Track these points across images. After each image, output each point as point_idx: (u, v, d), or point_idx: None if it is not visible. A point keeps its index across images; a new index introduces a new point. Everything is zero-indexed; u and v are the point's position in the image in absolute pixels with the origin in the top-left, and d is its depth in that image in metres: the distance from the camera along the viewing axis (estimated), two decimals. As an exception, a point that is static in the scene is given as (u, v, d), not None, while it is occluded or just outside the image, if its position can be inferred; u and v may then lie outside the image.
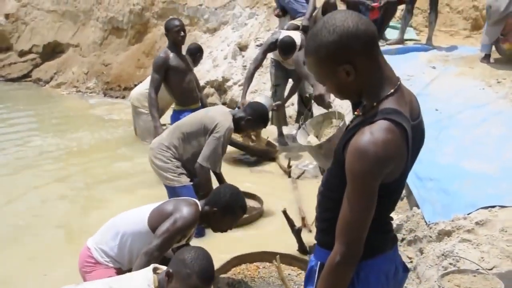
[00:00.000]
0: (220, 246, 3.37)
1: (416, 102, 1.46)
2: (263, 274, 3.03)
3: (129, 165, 5.47)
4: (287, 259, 3.09)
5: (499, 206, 2.66)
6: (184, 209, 2.52)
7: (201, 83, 6.93)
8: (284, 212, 3.32)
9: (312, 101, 5.27)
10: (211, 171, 3.66)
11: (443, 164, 3.26)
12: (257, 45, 7.59)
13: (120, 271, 2.56)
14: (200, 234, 3.54)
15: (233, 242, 3.52)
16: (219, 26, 8.93)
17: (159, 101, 4.64)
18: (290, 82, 5.59)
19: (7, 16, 11.67)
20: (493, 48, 5.09)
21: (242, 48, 7.98)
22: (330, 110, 2.61)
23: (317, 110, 5.67)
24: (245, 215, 3.85)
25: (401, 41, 6.29)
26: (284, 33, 5.17)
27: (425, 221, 2.81)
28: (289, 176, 4.82)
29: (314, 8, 6.03)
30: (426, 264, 2.46)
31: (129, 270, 2.48)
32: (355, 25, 1.28)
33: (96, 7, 10.46)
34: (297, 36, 5.10)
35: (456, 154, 3.37)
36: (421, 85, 4.68)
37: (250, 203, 4.14)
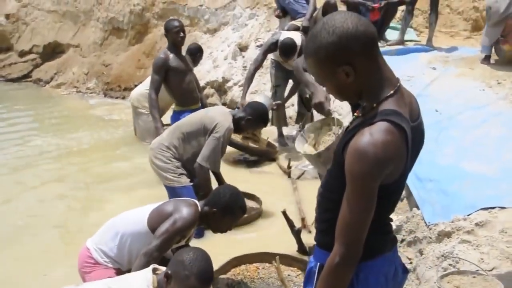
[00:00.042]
0: (220, 246, 3.37)
1: (415, 103, 1.46)
2: (262, 275, 3.02)
3: (129, 165, 5.47)
4: (286, 260, 3.09)
5: (499, 207, 2.66)
6: (184, 209, 2.51)
7: (201, 83, 6.93)
8: (284, 213, 3.32)
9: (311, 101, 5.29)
10: (210, 171, 3.66)
11: (443, 165, 3.26)
12: (257, 46, 7.59)
13: (119, 272, 2.55)
14: (200, 234, 3.54)
15: (232, 243, 3.52)
16: (220, 26, 8.93)
17: (159, 102, 4.65)
18: (290, 82, 5.59)
19: (7, 16, 11.68)
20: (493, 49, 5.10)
21: (242, 48, 7.98)
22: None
23: (317, 110, 5.70)
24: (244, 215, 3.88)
25: (401, 42, 6.30)
26: (284, 34, 5.17)
27: (425, 222, 2.81)
28: (289, 177, 4.82)
29: (315, 8, 6.03)
30: (426, 265, 2.46)
31: (129, 271, 2.48)
32: (354, 26, 1.28)
33: (97, 7, 10.46)
34: (297, 37, 5.10)
35: (456, 155, 3.37)
36: (421, 86, 4.68)
37: (249, 203, 4.13)
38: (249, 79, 5.29)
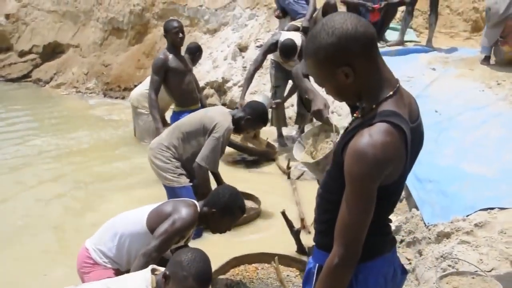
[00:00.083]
0: (219, 247, 3.37)
1: (415, 104, 1.46)
2: (261, 275, 3.02)
3: (128, 166, 5.47)
4: (285, 260, 3.09)
5: (498, 208, 2.66)
6: (183, 210, 2.51)
7: (201, 84, 6.93)
8: (283, 213, 3.32)
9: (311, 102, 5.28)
10: (209, 171, 3.65)
11: (442, 166, 3.26)
12: (257, 46, 7.59)
13: (118, 272, 2.55)
14: (198, 235, 3.54)
15: (231, 243, 3.51)
16: (219, 27, 8.93)
17: (159, 102, 4.65)
18: (290, 83, 5.59)
19: (7, 16, 11.68)
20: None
21: (242, 49, 7.98)
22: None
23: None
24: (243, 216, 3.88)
25: (401, 42, 6.30)
26: (284, 35, 5.17)
27: (424, 223, 2.81)
28: (289, 177, 4.82)
29: (314, 9, 6.04)
30: (425, 266, 2.46)
31: (128, 271, 2.48)
32: (354, 27, 1.28)
33: (97, 7, 10.46)
34: (297, 38, 5.10)
35: (455, 156, 3.37)
36: (421, 87, 4.68)
37: (248, 203, 4.14)
38: (249, 79, 5.29)
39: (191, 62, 5.17)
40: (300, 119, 5.77)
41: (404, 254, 2.79)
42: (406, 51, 5.99)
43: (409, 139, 1.31)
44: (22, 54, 11.53)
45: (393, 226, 2.65)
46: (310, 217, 3.64)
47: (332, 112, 5.43)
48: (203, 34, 9.06)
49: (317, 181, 3.15)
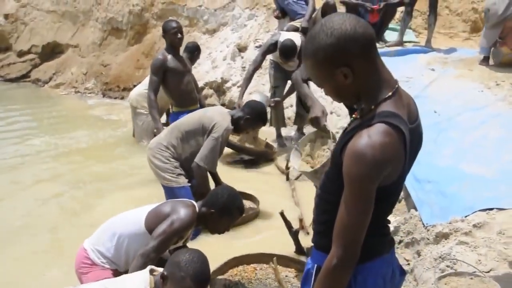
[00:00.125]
0: (217, 247, 3.37)
1: (414, 105, 1.46)
2: (260, 276, 3.02)
3: (127, 166, 5.47)
4: (284, 260, 3.09)
5: (496, 208, 2.65)
6: (181, 210, 2.51)
7: (200, 84, 6.93)
8: (282, 214, 3.32)
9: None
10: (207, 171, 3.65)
11: (441, 166, 3.26)
12: (256, 47, 7.59)
13: (116, 273, 2.55)
14: (196, 235, 3.53)
15: (230, 244, 3.51)
16: (219, 27, 8.93)
17: (158, 101, 4.65)
18: (289, 83, 5.58)
19: (6, 16, 11.68)
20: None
21: (241, 49, 7.98)
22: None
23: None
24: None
25: (400, 43, 6.29)
26: (284, 35, 5.16)
27: (423, 223, 2.81)
28: (287, 178, 4.82)
29: (314, 9, 6.04)
30: (424, 267, 2.46)
31: (126, 272, 2.47)
32: (353, 28, 1.28)
33: (96, 7, 10.46)
34: (297, 38, 5.09)
35: (454, 157, 3.36)
36: (420, 87, 4.68)
37: (246, 203, 4.14)
38: (248, 79, 5.28)
39: (190, 61, 5.17)
40: (299, 120, 5.77)
41: (402, 254, 2.79)
42: (405, 52, 5.99)
43: (408, 140, 1.31)
44: (21, 54, 11.54)
45: (391, 226, 2.66)
46: (308, 218, 3.63)
47: (331, 113, 5.43)
48: (202, 34, 9.06)
49: (315, 187, 3.15)
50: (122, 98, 9.10)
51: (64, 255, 3.41)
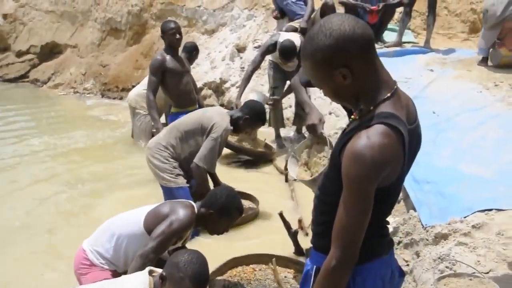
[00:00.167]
0: (216, 248, 3.36)
1: (412, 106, 1.46)
2: (259, 277, 3.02)
3: (125, 166, 5.47)
4: (283, 261, 3.09)
5: (495, 209, 2.65)
6: (180, 211, 2.51)
7: (199, 84, 6.93)
8: (281, 215, 3.32)
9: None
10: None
11: (440, 167, 3.26)
12: (255, 47, 7.58)
13: (115, 273, 2.55)
14: (195, 236, 3.53)
15: (229, 244, 3.51)
16: (217, 27, 8.93)
17: (157, 101, 4.65)
18: (288, 83, 5.58)
19: (5, 16, 11.67)
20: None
21: (240, 49, 7.98)
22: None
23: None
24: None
25: (399, 43, 6.30)
26: (283, 36, 5.16)
27: (422, 224, 2.81)
28: (286, 179, 4.81)
29: (313, 10, 6.04)
30: (423, 268, 2.46)
31: (125, 272, 2.47)
32: (351, 28, 1.28)
33: (94, 8, 10.45)
34: (296, 39, 5.09)
35: (453, 157, 3.37)
36: (418, 88, 4.68)
37: (246, 203, 4.14)
38: (246, 80, 5.27)
39: (188, 61, 5.17)
40: (298, 120, 5.76)
41: (401, 255, 2.79)
42: (404, 52, 6.00)
43: (406, 141, 1.31)
44: (19, 54, 11.52)
45: (390, 227, 2.66)
46: (307, 219, 3.63)
47: (330, 113, 5.43)
48: (201, 35, 9.06)
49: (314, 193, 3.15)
50: (121, 98, 9.09)
51: (63, 255, 3.40)
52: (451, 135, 3.71)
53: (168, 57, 4.56)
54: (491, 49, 4.98)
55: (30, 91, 10.46)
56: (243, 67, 7.32)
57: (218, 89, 7.75)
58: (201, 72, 8.01)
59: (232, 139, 5.26)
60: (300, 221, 3.69)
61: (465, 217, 2.64)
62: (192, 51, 5.64)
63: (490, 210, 2.66)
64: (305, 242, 3.33)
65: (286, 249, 3.34)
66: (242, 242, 3.62)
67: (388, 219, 1.56)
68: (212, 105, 6.76)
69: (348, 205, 1.31)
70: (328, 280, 1.36)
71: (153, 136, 4.60)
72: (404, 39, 6.42)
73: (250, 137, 5.43)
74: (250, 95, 5.38)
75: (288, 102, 6.20)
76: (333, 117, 5.31)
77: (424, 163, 3.00)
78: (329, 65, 1.31)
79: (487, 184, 2.94)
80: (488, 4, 4.85)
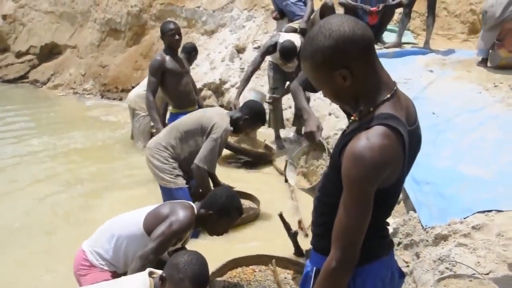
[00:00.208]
0: (216, 248, 3.36)
1: (412, 107, 1.45)
2: (259, 278, 3.01)
3: (125, 167, 5.47)
4: (283, 262, 3.08)
5: (495, 210, 2.65)
6: (180, 212, 2.50)
7: (199, 85, 6.93)
8: (281, 216, 3.31)
9: (309, 105, 5.27)
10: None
11: (440, 168, 3.26)
12: (255, 48, 7.59)
13: (115, 274, 2.54)
14: (195, 236, 3.52)
15: (229, 245, 3.51)
16: (217, 28, 8.93)
17: (157, 101, 4.66)
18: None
19: (4, 17, 11.66)
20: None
21: (240, 50, 7.98)
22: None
23: (314, 113, 5.68)
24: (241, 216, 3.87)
25: (398, 44, 6.30)
26: (283, 36, 5.15)
27: (422, 225, 2.81)
28: (286, 180, 4.81)
29: (312, 10, 6.04)
30: (423, 269, 2.46)
31: (125, 273, 2.46)
32: (351, 29, 1.27)
33: (94, 8, 10.45)
34: (297, 40, 5.09)
35: (453, 158, 3.37)
36: (418, 89, 4.68)
37: (246, 203, 4.16)
38: (246, 80, 5.26)
39: (187, 62, 5.17)
40: (298, 121, 5.76)
41: (401, 256, 2.78)
42: (404, 53, 6.00)
43: (406, 142, 1.31)
44: (19, 55, 11.52)
45: (390, 228, 2.65)
46: (307, 220, 3.63)
47: (330, 114, 5.43)
48: (201, 36, 9.06)
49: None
50: (121, 99, 9.09)
51: (62, 256, 3.39)
52: (451, 136, 3.71)
53: (167, 57, 4.56)
54: (490, 50, 4.98)
55: (29, 92, 10.45)
56: (243, 68, 7.32)
57: (218, 90, 7.75)
58: (201, 73, 8.02)
59: (232, 139, 5.26)
60: (300, 222, 3.69)
61: (465, 218, 2.63)
62: (191, 52, 5.64)
63: (490, 211, 2.65)
64: (305, 243, 3.32)
65: (286, 250, 3.34)
66: (241, 243, 3.62)
67: (388, 220, 1.56)
68: (212, 106, 6.76)
69: (348, 206, 1.31)
70: (328, 282, 1.36)
71: (152, 137, 4.60)
72: (403, 40, 6.42)
73: (250, 136, 5.43)
74: (248, 93, 5.35)
75: (288, 103, 6.20)
76: (333, 118, 5.31)
77: (423, 164, 2.99)
78: (329, 66, 1.31)
79: (487, 185, 2.94)
80: (487, 6, 4.85)
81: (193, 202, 2.75)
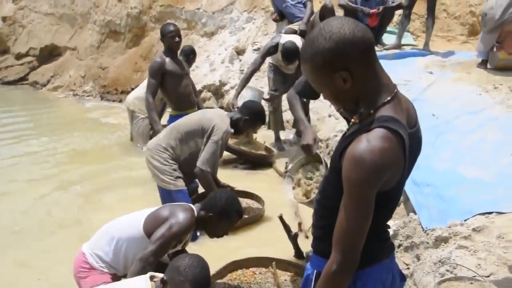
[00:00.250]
0: (216, 251, 3.35)
1: (413, 109, 1.45)
2: (259, 280, 3.01)
3: (124, 169, 5.46)
4: (283, 264, 3.08)
5: (496, 212, 2.65)
6: (180, 214, 2.50)
7: (198, 87, 6.93)
8: (281, 218, 3.31)
9: (309, 105, 5.28)
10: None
11: (440, 170, 3.26)
12: (255, 50, 7.59)
13: (115, 277, 2.54)
14: (194, 239, 3.52)
15: (229, 247, 3.50)
16: (217, 30, 8.94)
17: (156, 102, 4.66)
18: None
19: (4, 19, 11.68)
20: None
21: (240, 52, 7.98)
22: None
23: (314, 114, 5.70)
24: (248, 216, 3.87)
25: (398, 46, 6.31)
26: (284, 37, 5.15)
27: (422, 227, 2.80)
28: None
29: (312, 12, 6.05)
30: (423, 271, 2.45)
31: (124, 276, 2.46)
32: (351, 32, 1.27)
33: (94, 10, 10.46)
34: (298, 41, 5.08)
35: (453, 160, 3.37)
36: (418, 90, 4.68)
37: (250, 202, 4.16)
38: (245, 80, 5.23)
39: (186, 64, 5.16)
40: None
41: (402, 258, 2.78)
42: (403, 55, 6.00)
43: (407, 144, 1.31)
44: (19, 56, 11.54)
45: (390, 231, 2.66)
46: (307, 221, 3.63)
47: (330, 116, 5.43)
48: (201, 37, 9.07)
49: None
50: (120, 101, 9.09)
51: (62, 257, 3.38)
52: (451, 138, 3.71)
53: (167, 59, 4.56)
54: (490, 52, 4.99)
55: (29, 94, 10.46)
56: (243, 70, 7.32)
57: (218, 91, 7.75)
58: (201, 74, 8.02)
59: (231, 141, 5.25)
60: (299, 224, 3.69)
61: (465, 220, 2.63)
62: (190, 55, 5.65)
63: (490, 213, 2.65)
64: (305, 245, 3.32)
65: (286, 252, 3.33)
66: (241, 245, 3.61)
67: (388, 222, 1.56)
68: (212, 108, 6.75)
69: (349, 209, 1.31)
70: (329, 285, 1.35)
71: (151, 139, 4.59)
72: (403, 41, 6.43)
73: (249, 137, 5.42)
74: (244, 92, 5.31)
75: (288, 105, 6.18)
76: (333, 120, 5.31)
77: (423, 165, 2.99)
78: (329, 68, 1.30)
79: (487, 187, 2.94)
80: (487, 8, 4.86)
81: (193, 204, 2.75)
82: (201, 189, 4.01)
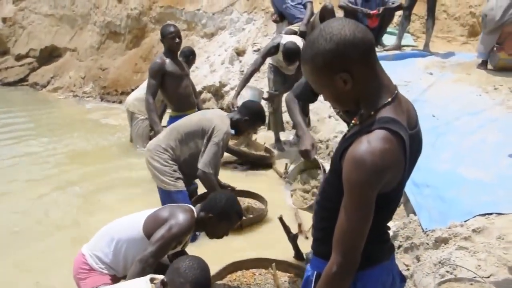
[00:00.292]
0: (216, 252, 3.35)
1: (413, 110, 1.45)
2: (259, 281, 3.00)
3: (124, 170, 5.46)
4: (283, 266, 3.08)
5: (496, 213, 2.65)
6: (180, 215, 2.50)
7: (198, 88, 6.93)
8: (281, 219, 3.30)
9: (309, 106, 5.27)
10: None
11: (440, 171, 3.26)
12: (255, 50, 7.59)
13: (115, 278, 2.54)
14: (194, 239, 3.52)
15: (229, 249, 3.50)
16: (217, 31, 8.94)
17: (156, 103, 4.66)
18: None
19: (4, 20, 11.69)
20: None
21: (240, 53, 7.98)
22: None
23: (314, 115, 5.70)
24: (252, 215, 3.87)
25: (398, 47, 6.31)
26: (285, 38, 5.14)
27: (422, 228, 2.80)
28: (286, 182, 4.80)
29: (312, 13, 6.05)
30: (423, 272, 2.45)
31: (124, 277, 2.46)
32: (352, 33, 1.27)
33: (94, 11, 10.47)
34: (299, 41, 5.08)
35: (453, 161, 3.37)
36: (418, 91, 4.69)
37: (251, 202, 4.17)
38: (245, 80, 5.22)
39: (186, 65, 5.16)
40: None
41: (402, 259, 2.78)
42: (403, 56, 6.01)
43: (407, 146, 1.30)
44: (19, 57, 11.54)
45: (390, 232, 2.65)
46: (307, 222, 3.63)
47: (330, 117, 5.43)
48: (201, 38, 9.07)
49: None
50: (120, 102, 9.09)
51: (61, 257, 3.38)
52: (451, 139, 3.71)
53: (167, 60, 4.56)
54: (490, 53, 4.99)
55: (29, 95, 10.46)
56: (243, 71, 7.32)
57: (218, 92, 7.75)
58: (201, 75, 8.02)
59: (231, 142, 5.25)
60: (299, 225, 3.68)
61: (465, 221, 2.63)
62: (189, 56, 5.65)
63: (490, 214, 2.65)
64: (305, 246, 3.31)
65: (286, 253, 3.33)
66: (241, 246, 3.61)
67: (388, 223, 1.56)
68: (212, 109, 6.75)
69: (349, 211, 1.30)
70: (329, 286, 1.35)
71: (151, 140, 4.59)
72: (403, 42, 6.43)
73: (249, 138, 5.42)
74: (244, 91, 5.30)
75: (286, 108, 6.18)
76: (333, 121, 5.31)
77: (423, 166, 2.98)
78: (330, 69, 1.30)
79: (487, 188, 2.94)
80: (487, 9, 4.86)
81: (193, 205, 2.75)
82: (200, 190, 4.01)
